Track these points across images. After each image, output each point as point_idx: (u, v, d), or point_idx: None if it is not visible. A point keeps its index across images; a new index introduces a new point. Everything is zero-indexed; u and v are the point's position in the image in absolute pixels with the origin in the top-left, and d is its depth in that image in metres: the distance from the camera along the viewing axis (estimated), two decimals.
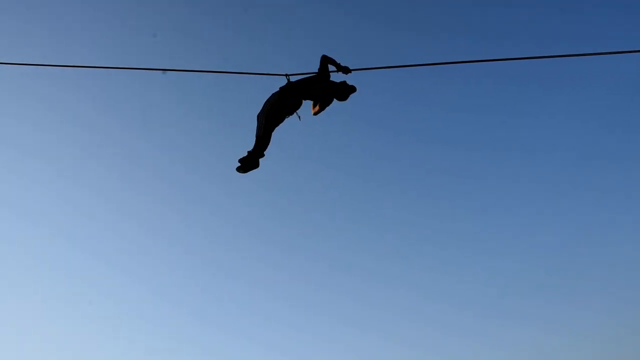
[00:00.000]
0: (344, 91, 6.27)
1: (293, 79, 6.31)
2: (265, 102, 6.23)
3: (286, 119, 6.24)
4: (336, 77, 6.37)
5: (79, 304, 19.54)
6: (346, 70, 6.23)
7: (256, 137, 6.15)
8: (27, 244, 20.41)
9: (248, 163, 6.10)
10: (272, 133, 6.18)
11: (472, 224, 21.01)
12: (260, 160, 6.17)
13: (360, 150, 21.57)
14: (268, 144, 6.17)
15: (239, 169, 6.12)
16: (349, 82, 6.33)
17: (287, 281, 20.30)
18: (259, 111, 6.24)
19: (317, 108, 6.42)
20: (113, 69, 6.67)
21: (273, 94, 6.24)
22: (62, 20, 18.76)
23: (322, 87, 6.26)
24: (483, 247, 20.58)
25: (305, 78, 6.33)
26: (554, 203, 20.89)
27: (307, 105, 6.42)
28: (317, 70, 6.28)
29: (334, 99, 6.33)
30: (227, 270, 20.72)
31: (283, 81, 6.33)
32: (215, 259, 20.94)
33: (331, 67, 6.29)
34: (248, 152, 6.13)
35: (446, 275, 19.87)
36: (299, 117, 6.28)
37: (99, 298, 19.54)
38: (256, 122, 6.22)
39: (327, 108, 6.43)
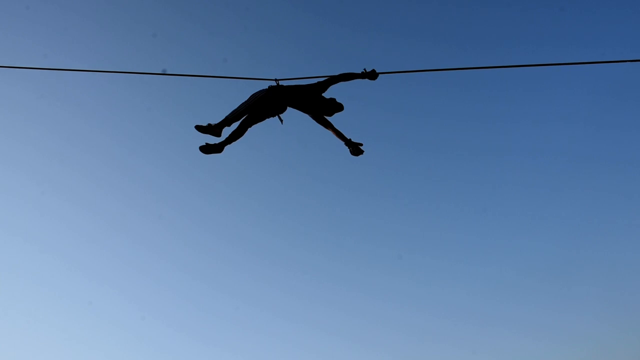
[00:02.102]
0: (332, 108, 6.22)
1: (282, 84, 6.29)
2: (252, 95, 6.23)
3: (267, 120, 6.25)
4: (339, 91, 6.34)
5: (78, 304, 19.62)
6: (373, 75, 6.15)
7: (225, 117, 6.18)
8: (27, 244, 20.48)
9: (213, 146, 6.16)
10: (249, 128, 6.22)
11: (460, 230, 21.01)
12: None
13: (350, 156, 21.49)
14: (240, 136, 6.22)
15: (202, 149, 6.16)
16: (338, 100, 6.31)
17: (278, 292, 20.33)
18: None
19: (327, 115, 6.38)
20: (109, 72, 6.62)
21: (261, 90, 6.24)
22: (60, 19, 18.75)
23: (312, 99, 6.22)
24: (471, 253, 20.60)
25: (298, 85, 6.29)
26: (544, 207, 20.88)
27: (290, 112, 6.38)
28: (317, 80, 6.24)
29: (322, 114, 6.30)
30: (218, 277, 20.79)
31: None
32: (205, 267, 20.98)
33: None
34: (209, 124, 6.16)
35: (436, 283, 19.88)
36: (281, 120, 6.26)
37: (98, 298, 19.61)
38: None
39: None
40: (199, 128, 6.15)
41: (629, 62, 5.68)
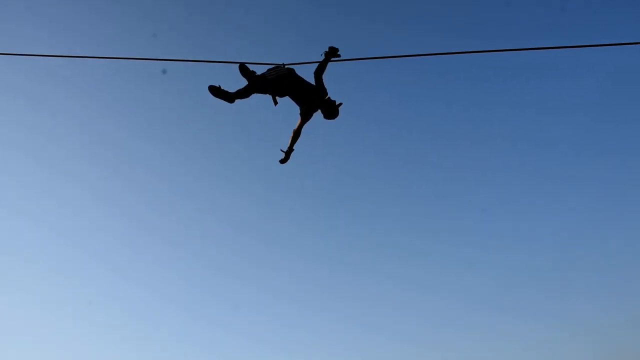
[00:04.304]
0: (334, 111, 6.36)
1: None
2: (278, 67, 6.34)
3: (266, 95, 6.31)
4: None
5: (79, 304, 19.57)
6: (333, 51, 6.27)
7: (263, 74, 6.24)
8: (27, 244, 20.43)
9: (226, 93, 6.03)
10: (252, 94, 6.20)
11: (473, 219, 21.03)
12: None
13: (357, 145, 21.58)
14: (246, 96, 6.17)
15: (212, 88, 6.00)
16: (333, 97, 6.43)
17: (287, 280, 20.29)
18: (270, 68, 6.36)
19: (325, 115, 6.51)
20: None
21: (283, 67, 6.34)
22: (61, 19, 18.80)
23: (317, 99, 6.35)
24: (484, 243, 20.60)
25: (307, 81, 6.42)
26: (555, 197, 20.91)
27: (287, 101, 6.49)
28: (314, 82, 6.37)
29: (322, 114, 6.44)
30: (225, 270, 20.74)
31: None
32: (214, 259, 20.96)
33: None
34: (251, 72, 6.20)
35: (448, 272, 19.90)
36: (276, 102, 6.35)
37: (98, 298, 19.56)
38: (268, 70, 6.32)
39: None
40: (243, 68, 6.18)
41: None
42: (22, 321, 19.05)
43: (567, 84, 20.68)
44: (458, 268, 19.99)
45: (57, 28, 18.95)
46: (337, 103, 6.39)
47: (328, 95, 6.39)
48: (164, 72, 15.78)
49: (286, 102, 6.51)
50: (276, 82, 6.25)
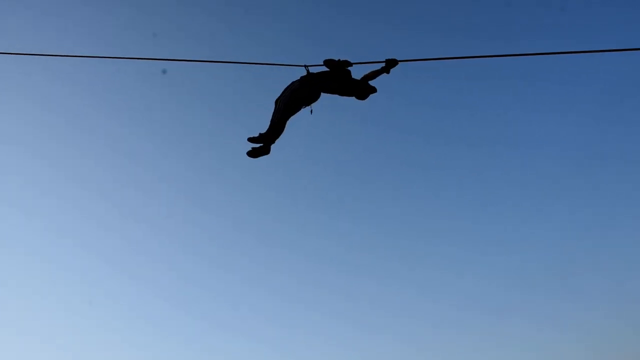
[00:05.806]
0: (365, 90, 6.26)
1: (312, 70, 6.26)
2: (286, 89, 6.17)
3: (302, 109, 6.20)
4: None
5: (79, 304, 19.53)
6: (346, 63, 6.19)
7: (271, 121, 6.11)
8: (27, 243, 20.40)
9: (259, 148, 6.06)
10: (287, 122, 6.12)
11: (473, 219, 21.05)
12: (259, 153, 6.17)
13: (358, 146, 21.57)
14: (282, 131, 6.11)
15: (249, 153, 6.06)
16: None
17: (287, 280, 20.28)
18: (277, 96, 6.19)
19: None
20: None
21: (294, 82, 6.17)
22: (61, 19, 18.75)
23: (343, 83, 6.21)
24: (484, 243, 20.61)
25: (326, 71, 6.25)
26: (554, 197, 20.93)
27: (323, 98, 6.34)
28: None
29: (354, 97, 6.31)
30: (225, 269, 20.71)
31: (301, 72, 6.26)
32: (216, 258, 20.94)
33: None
34: (260, 134, 6.08)
35: (448, 272, 19.89)
36: (311, 110, 6.20)
37: (98, 298, 19.52)
38: (274, 107, 6.16)
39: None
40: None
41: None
42: (22, 321, 19.00)
43: (567, 85, 20.72)
44: (458, 268, 20.00)
45: (56, 28, 18.91)
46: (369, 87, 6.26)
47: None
48: (164, 72, 15.78)
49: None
50: (293, 101, 6.09)
